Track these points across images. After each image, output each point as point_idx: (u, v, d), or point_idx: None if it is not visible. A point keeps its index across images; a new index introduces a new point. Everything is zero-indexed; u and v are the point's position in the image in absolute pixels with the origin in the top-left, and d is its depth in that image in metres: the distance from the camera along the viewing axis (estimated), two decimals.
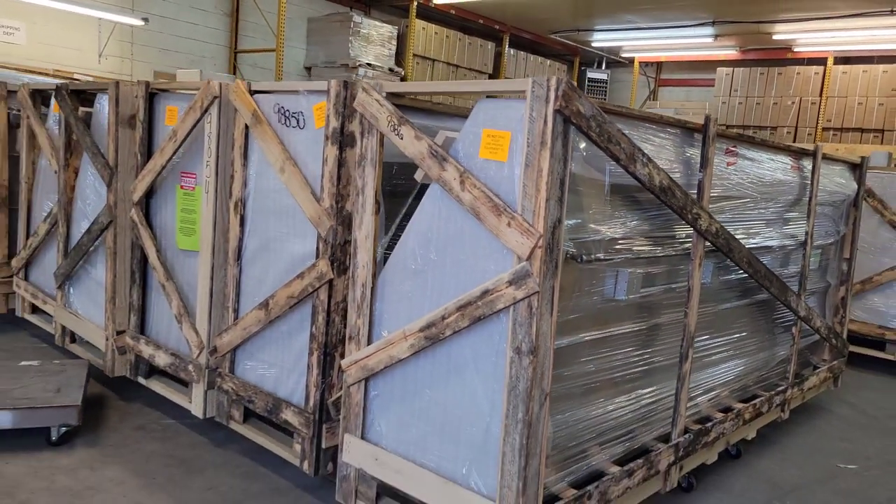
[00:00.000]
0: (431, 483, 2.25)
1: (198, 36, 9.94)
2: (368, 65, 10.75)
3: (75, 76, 8.30)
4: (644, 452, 2.72)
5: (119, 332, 3.62)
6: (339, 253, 2.62)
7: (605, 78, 14.80)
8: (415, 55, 11.48)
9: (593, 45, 13.64)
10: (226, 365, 3.12)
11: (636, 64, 14.16)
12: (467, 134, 2.16)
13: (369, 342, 2.46)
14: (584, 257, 2.19)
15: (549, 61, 14.05)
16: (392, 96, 2.39)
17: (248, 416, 3.13)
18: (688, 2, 10.28)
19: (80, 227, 3.91)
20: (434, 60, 11.90)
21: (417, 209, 2.31)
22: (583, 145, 2.17)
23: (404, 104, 2.54)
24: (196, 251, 3.27)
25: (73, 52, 8.73)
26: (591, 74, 14.75)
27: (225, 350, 3.09)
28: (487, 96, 2.17)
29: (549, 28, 12.98)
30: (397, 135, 2.29)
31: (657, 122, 2.58)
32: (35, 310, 4.52)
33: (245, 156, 2.99)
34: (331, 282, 2.62)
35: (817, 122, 11.54)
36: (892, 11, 9.18)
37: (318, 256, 2.67)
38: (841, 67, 11.41)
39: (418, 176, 2.27)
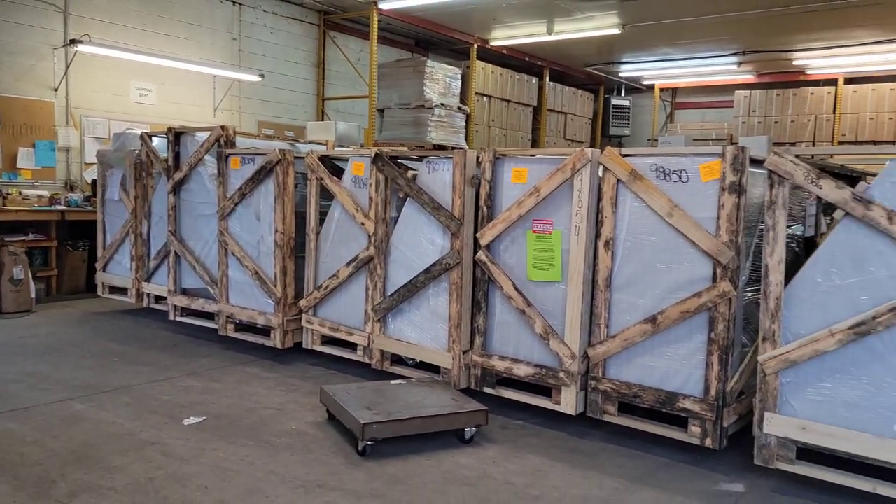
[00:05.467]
0: (867, 441, 3.08)
1: (292, 87, 10.63)
2: (442, 105, 11.57)
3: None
4: None
5: (464, 352, 4.34)
6: (734, 276, 3.45)
7: (628, 104, 15.94)
8: (476, 93, 12.35)
9: (620, 75, 14.76)
10: (598, 370, 3.90)
11: (656, 90, 15.33)
12: (882, 184, 3.04)
13: (782, 342, 3.30)
14: None
15: (579, 91, 15.12)
16: (799, 158, 3.25)
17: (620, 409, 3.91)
18: (723, 35, 11.47)
19: (396, 269, 4.63)
20: (490, 97, 12.81)
21: (829, 238, 3.18)
22: None
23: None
24: (547, 281, 4.05)
25: (194, 108, 9.33)
26: (615, 101, 15.86)
27: (599, 359, 3.87)
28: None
29: (583, 62, 14.05)
30: (815, 185, 3.16)
31: None
32: (324, 342, 5.17)
33: (615, 205, 3.81)
34: (730, 298, 3.45)
35: (833, 137, 12.83)
36: None
37: (714, 280, 3.49)
38: (851, 87, 12.73)
39: (838, 215, 3.13)
